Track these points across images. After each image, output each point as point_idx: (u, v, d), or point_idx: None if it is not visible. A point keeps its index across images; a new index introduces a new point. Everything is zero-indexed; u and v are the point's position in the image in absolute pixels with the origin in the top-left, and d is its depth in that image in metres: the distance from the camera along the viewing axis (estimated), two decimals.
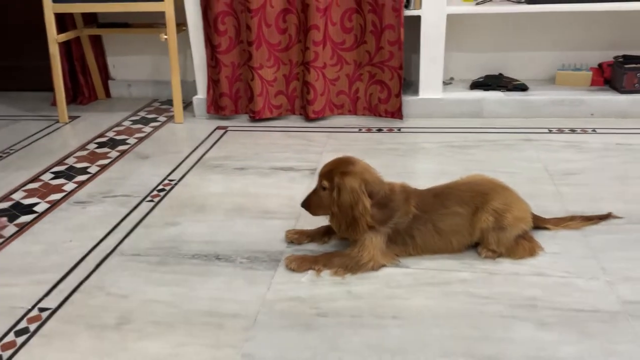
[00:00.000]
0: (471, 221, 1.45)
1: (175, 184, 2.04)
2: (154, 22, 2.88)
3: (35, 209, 1.89)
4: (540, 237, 1.54)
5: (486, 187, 1.49)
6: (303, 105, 2.62)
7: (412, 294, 1.36)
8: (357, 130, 2.49)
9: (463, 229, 1.46)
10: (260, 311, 1.33)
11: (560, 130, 2.35)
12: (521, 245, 1.47)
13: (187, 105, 2.85)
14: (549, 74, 2.72)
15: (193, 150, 2.34)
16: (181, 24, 2.75)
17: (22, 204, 1.93)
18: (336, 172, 1.43)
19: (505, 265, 1.46)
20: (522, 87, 2.56)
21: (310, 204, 1.51)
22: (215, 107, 2.68)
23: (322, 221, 1.64)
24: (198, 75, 2.68)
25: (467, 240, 1.48)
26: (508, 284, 1.39)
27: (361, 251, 1.45)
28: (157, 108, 2.95)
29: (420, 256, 1.49)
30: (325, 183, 1.45)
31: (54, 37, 2.64)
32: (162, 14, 2.56)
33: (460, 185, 1.51)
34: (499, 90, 2.57)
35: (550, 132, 2.34)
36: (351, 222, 1.42)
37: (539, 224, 1.58)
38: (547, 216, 1.62)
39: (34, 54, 3.16)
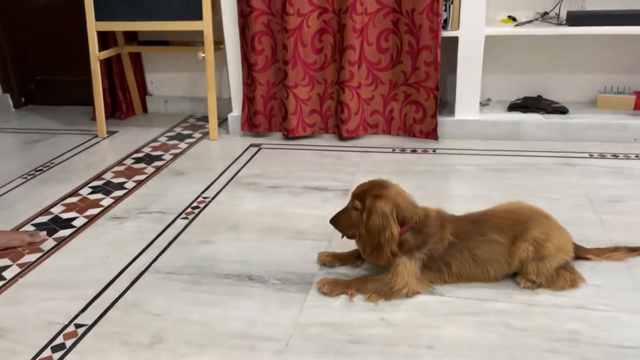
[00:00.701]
0: (510, 250, 1.41)
1: (209, 201, 2.05)
2: (192, 40, 2.93)
3: (73, 223, 1.93)
4: (582, 267, 1.49)
5: (526, 214, 1.45)
6: (337, 124, 2.62)
7: (448, 324, 1.33)
8: (390, 150, 2.47)
9: (501, 258, 1.42)
10: (293, 335, 1.32)
11: (602, 156, 2.28)
12: (562, 276, 1.42)
13: (222, 122, 2.89)
14: (589, 97, 2.66)
15: (227, 168, 2.36)
16: (218, 43, 2.79)
17: (60, 218, 1.98)
18: (369, 194, 1.42)
19: (545, 296, 1.41)
20: (562, 110, 2.51)
21: (338, 221, 1.50)
22: (250, 125, 2.70)
23: (355, 244, 1.63)
24: (234, 93, 2.71)
25: (505, 270, 1.44)
26: (548, 316, 1.34)
27: (395, 277, 1.42)
28: (193, 124, 3.00)
29: (455, 284, 1.46)
30: (357, 204, 1.44)
31: (95, 54, 2.71)
32: (200, 33, 2.61)
33: (499, 212, 1.48)
34: (538, 112, 2.52)
35: (591, 156, 2.28)
36: (376, 247, 1.40)
37: (581, 254, 1.53)
38: (588, 246, 1.56)
39: (75, 70, 3.26)
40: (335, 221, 1.50)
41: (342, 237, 1.54)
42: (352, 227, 1.46)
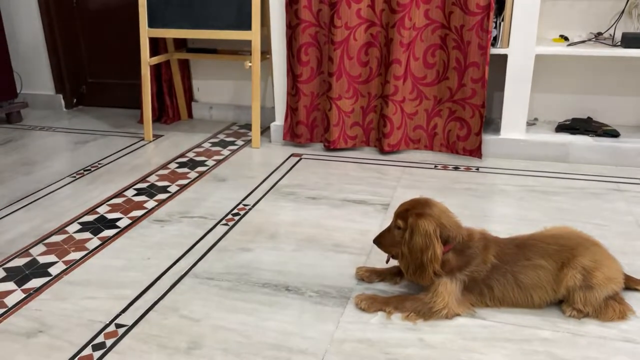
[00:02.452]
0: (556, 277, 1.37)
1: (250, 209, 2.07)
2: (240, 49, 2.98)
3: (118, 223, 1.98)
4: (631, 299, 1.43)
5: (574, 241, 1.41)
6: (378, 138, 2.60)
7: (489, 349, 1.29)
8: (432, 166, 2.44)
9: (546, 284, 1.38)
10: (328, 350, 1.31)
11: None
12: (610, 307, 1.37)
13: (264, 130, 2.92)
14: None
15: (268, 176, 2.37)
16: (265, 52, 2.83)
17: (106, 217, 2.03)
18: (411, 212, 1.40)
19: (592, 327, 1.36)
20: (613, 133, 2.43)
21: (382, 241, 1.49)
22: (292, 135, 2.72)
23: (394, 260, 1.61)
24: (277, 103, 2.74)
25: (550, 297, 1.39)
26: (594, 348, 1.29)
27: (435, 297, 1.40)
28: (236, 132, 3.04)
29: (497, 308, 1.42)
30: (400, 222, 1.42)
31: (146, 60, 2.78)
32: (247, 42, 2.65)
33: (545, 237, 1.43)
34: (587, 134, 2.45)
35: None
36: (419, 266, 1.38)
37: (630, 284, 1.47)
38: (638, 276, 1.50)
39: (125, 74, 3.37)
40: (379, 241, 1.49)
41: (387, 261, 1.52)
42: (395, 246, 1.45)
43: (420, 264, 1.38)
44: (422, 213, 1.38)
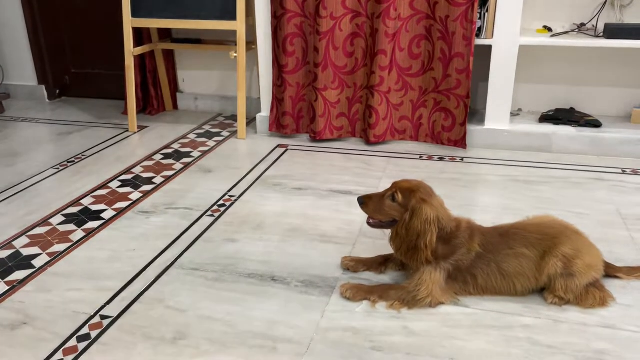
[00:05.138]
0: (538, 265, 1.39)
1: (235, 200, 2.07)
2: (225, 39, 2.96)
3: (102, 215, 1.96)
4: (611, 286, 1.46)
5: (556, 229, 1.43)
6: (364, 129, 2.61)
7: (472, 336, 1.31)
8: (418, 157, 2.46)
9: (528, 273, 1.40)
10: (314, 338, 1.32)
11: (635, 172, 2.23)
12: (591, 294, 1.39)
13: (250, 121, 2.91)
14: (624, 111, 2.60)
15: (254, 167, 2.37)
16: (250, 43, 2.81)
17: (90, 209, 2.01)
18: (416, 195, 1.39)
19: (573, 313, 1.38)
20: (595, 124, 2.46)
21: (368, 203, 1.46)
22: (278, 126, 2.72)
23: (380, 250, 1.63)
24: (263, 94, 2.73)
25: (532, 285, 1.41)
26: (575, 334, 1.31)
27: (419, 285, 1.41)
28: (222, 123, 3.02)
29: (480, 296, 1.44)
30: (400, 197, 1.41)
31: (130, 50, 2.75)
32: (233, 33, 2.63)
33: (528, 226, 1.45)
34: (570, 125, 2.48)
35: (623, 172, 2.23)
36: (412, 249, 1.39)
37: (610, 272, 1.49)
38: (619, 264, 1.53)
39: (109, 64, 3.33)
40: (366, 202, 1.46)
41: (368, 221, 1.49)
42: (381, 214, 1.44)
43: (414, 246, 1.39)
44: (427, 200, 1.39)
